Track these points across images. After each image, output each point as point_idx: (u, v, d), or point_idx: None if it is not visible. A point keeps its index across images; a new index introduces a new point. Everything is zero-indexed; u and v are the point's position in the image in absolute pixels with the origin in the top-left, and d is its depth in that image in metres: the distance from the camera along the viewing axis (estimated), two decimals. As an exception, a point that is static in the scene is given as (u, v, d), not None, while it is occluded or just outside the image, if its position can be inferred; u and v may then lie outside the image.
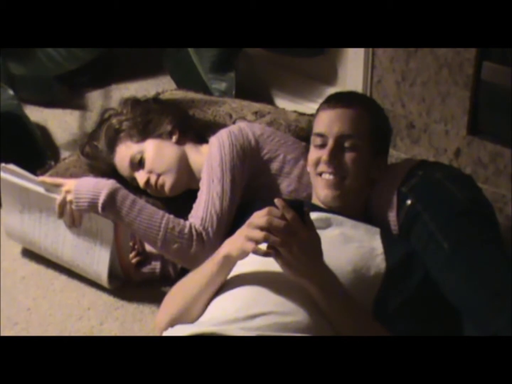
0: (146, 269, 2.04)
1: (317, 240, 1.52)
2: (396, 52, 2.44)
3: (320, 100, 1.95)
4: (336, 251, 1.64)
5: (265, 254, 1.48)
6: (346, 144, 1.80)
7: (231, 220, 1.86)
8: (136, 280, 2.03)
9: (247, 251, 1.50)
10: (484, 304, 1.65)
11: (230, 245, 1.56)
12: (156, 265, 2.03)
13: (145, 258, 2.05)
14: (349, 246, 1.69)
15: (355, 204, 1.84)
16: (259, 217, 1.48)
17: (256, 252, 1.48)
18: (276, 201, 1.48)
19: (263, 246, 1.49)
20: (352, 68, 2.60)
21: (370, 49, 2.50)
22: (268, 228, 1.46)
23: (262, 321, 1.51)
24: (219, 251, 1.58)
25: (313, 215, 1.70)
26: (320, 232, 1.56)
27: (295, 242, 1.47)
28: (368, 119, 1.84)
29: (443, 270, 1.71)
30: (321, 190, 1.82)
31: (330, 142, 1.80)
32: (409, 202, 1.80)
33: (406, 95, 2.48)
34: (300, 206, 1.50)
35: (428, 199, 1.79)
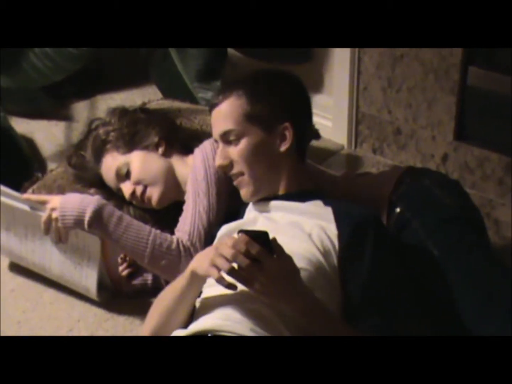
0: (137, 281, 2.03)
1: (288, 265, 1.48)
2: (382, 58, 2.46)
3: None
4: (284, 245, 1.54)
5: (228, 286, 1.45)
6: (231, 138, 1.75)
7: (217, 230, 1.85)
8: (127, 293, 2.02)
9: (211, 276, 1.47)
10: (475, 309, 1.65)
11: (198, 262, 1.53)
12: (148, 277, 2.02)
13: (137, 269, 2.03)
14: (296, 237, 1.63)
15: (289, 183, 1.75)
16: (226, 246, 1.44)
17: (219, 281, 1.45)
18: (240, 236, 1.45)
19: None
20: (338, 75, 2.61)
21: (356, 56, 2.51)
22: (233, 261, 1.43)
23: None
24: (189, 265, 1.57)
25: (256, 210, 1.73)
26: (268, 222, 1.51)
27: (262, 275, 1.43)
28: (240, 102, 1.75)
29: (434, 277, 1.71)
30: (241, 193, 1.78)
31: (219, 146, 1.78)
32: (398, 210, 1.80)
33: (393, 101, 2.49)
34: (266, 236, 1.46)
35: (416, 206, 1.80)
